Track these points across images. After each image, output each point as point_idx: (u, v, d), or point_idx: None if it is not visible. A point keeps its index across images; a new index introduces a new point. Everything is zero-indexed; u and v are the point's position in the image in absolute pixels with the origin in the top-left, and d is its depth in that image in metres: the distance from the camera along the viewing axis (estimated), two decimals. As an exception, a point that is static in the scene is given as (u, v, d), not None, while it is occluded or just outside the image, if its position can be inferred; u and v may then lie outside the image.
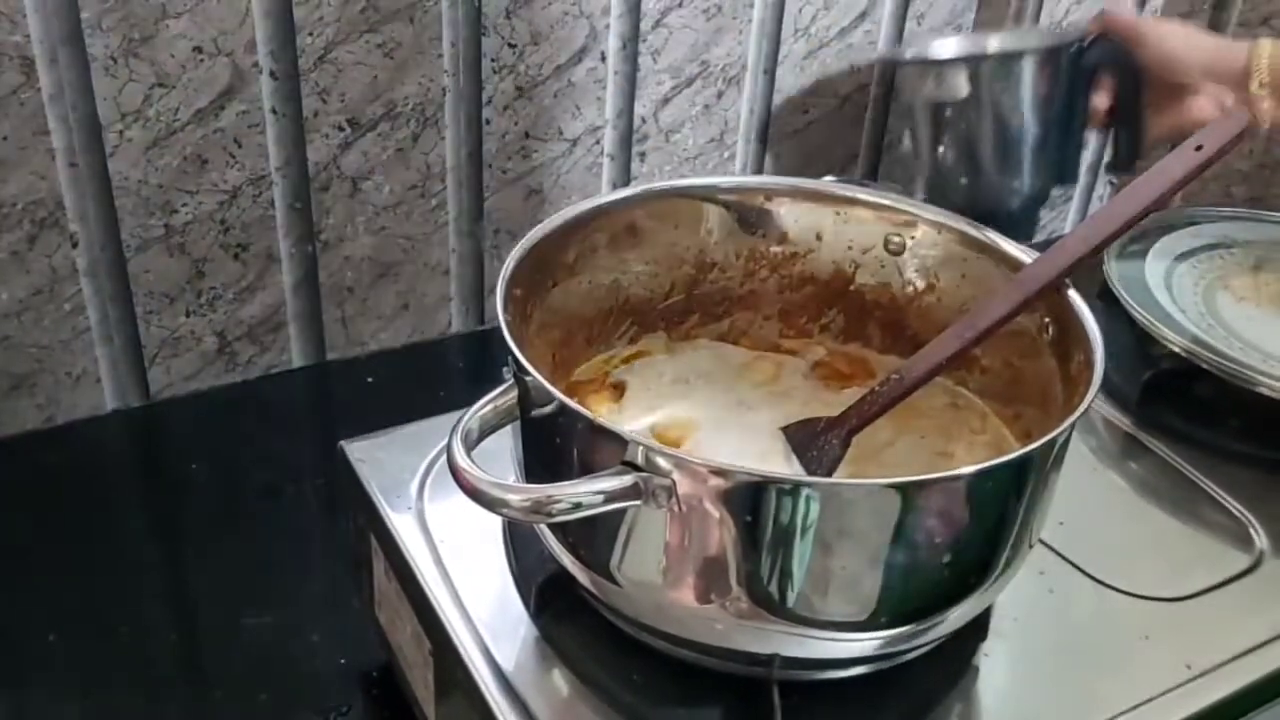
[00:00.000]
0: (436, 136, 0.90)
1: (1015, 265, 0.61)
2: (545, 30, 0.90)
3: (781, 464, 0.59)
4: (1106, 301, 0.83)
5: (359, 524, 0.66)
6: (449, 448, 0.48)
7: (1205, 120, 0.75)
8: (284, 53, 0.81)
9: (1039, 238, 1.02)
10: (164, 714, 0.68)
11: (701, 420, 0.64)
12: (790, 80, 1.03)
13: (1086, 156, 1.08)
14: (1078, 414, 0.50)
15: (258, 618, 0.72)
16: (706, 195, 0.67)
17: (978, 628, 0.58)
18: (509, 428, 0.54)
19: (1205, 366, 0.76)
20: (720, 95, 1.00)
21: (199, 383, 0.90)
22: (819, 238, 0.67)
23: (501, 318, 0.53)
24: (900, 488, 0.49)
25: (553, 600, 0.59)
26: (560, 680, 0.55)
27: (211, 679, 0.70)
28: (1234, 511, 0.68)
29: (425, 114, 0.88)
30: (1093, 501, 0.69)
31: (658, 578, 0.50)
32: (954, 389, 0.65)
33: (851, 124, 1.09)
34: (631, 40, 0.94)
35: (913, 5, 1.07)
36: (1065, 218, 1.29)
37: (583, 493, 0.47)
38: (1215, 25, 1.20)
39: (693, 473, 0.47)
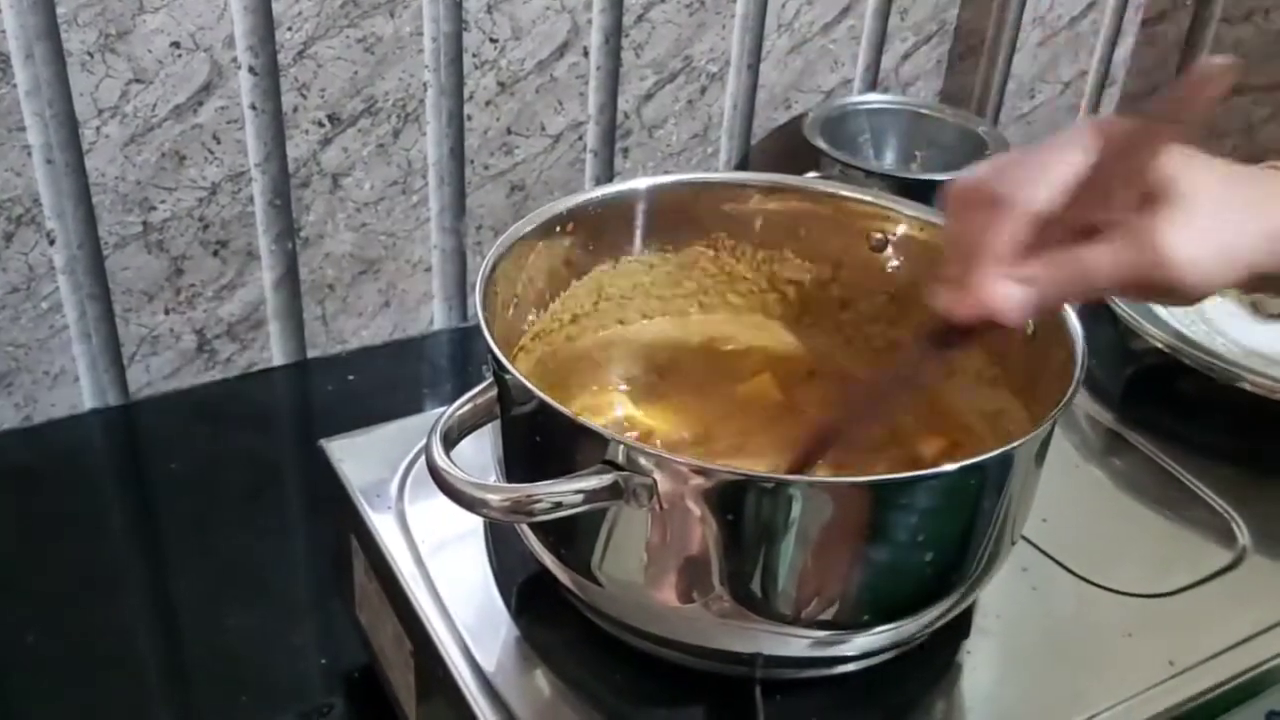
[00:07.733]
0: (418, 132, 0.89)
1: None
2: (527, 25, 0.89)
3: None
4: (1089, 297, 0.83)
5: (339, 524, 0.65)
6: (427, 447, 0.48)
7: None
8: (263, 48, 0.81)
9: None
10: (144, 715, 0.67)
11: (684, 420, 0.63)
12: (773, 75, 1.03)
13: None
14: (1059, 410, 0.50)
15: (238, 618, 0.71)
16: (689, 192, 0.67)
17: (960, 625, 0.57)
18: (490, 426, 0.54)
19: (1188, 363, 0.76)
20: (703, 91, 1.00)
21: (178, 381, 0.89)
22: (801, 234, 0.67)
23: (480, 315, 0.53)
24: (881, 486, 0.49)
25: (534, 600, 0.58)
26: (542, 681, 0.55)
27: (192, 680, 0.70)
28: (1216, 508, 0.68)
29: (406, 110, 0.88)
30: (1076, 498, 0.69)
31: (639, 577, 0.50)
32: (936, 385, 0.65)
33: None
34: (614, 35, 0.94)
35: (896, 1, 1.06)
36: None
37: (563, 492, 0.47)
38: (1198, 21, 1.20)
39: (674, 471, 0.46)
